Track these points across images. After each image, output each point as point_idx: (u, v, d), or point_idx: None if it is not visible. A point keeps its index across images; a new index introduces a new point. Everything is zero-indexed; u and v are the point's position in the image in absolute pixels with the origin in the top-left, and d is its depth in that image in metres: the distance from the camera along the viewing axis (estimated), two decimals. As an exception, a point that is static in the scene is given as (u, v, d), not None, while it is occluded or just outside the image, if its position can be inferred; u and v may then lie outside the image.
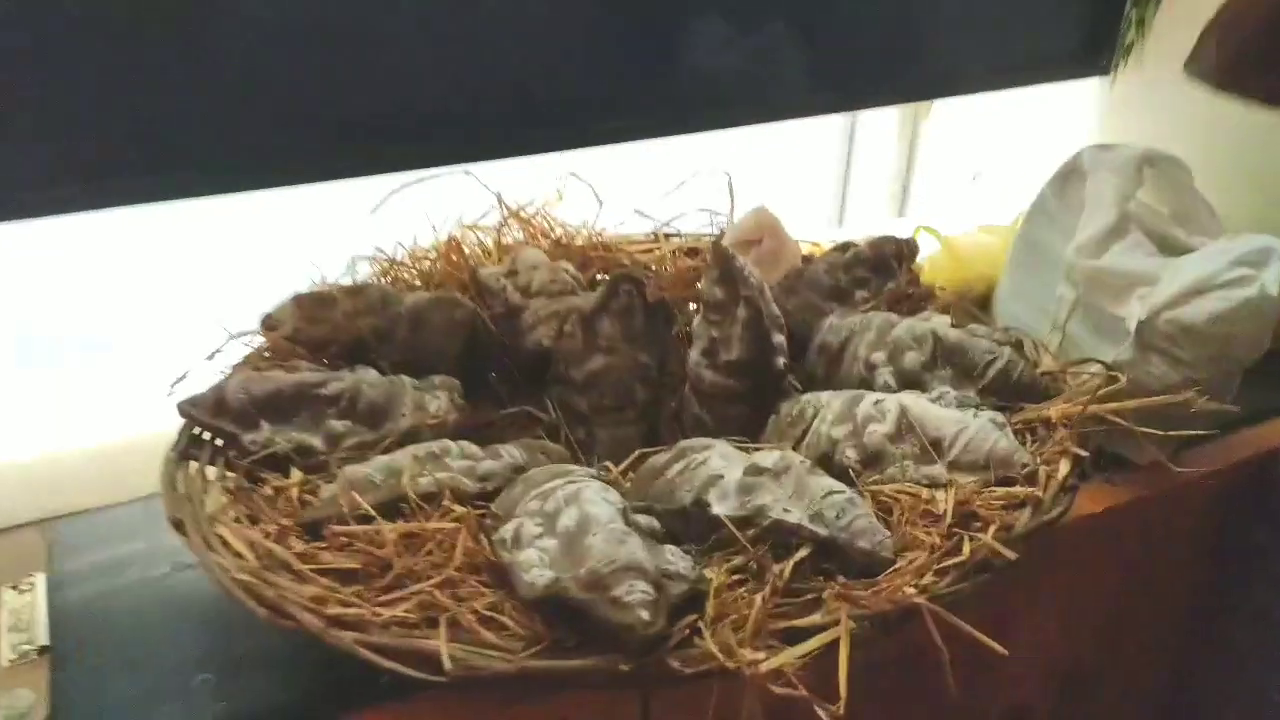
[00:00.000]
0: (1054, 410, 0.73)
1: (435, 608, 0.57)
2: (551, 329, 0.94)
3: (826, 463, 0.74)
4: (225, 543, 0.64)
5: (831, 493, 0.63)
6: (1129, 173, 0.94)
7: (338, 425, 0.78)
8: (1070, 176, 1.02)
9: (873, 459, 0.72)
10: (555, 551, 0.57)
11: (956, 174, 1.57)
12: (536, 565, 0.55)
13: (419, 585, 0.58)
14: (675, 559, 0.57)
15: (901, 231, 1.30)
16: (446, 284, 1.03)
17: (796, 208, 1.17)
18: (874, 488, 0.69)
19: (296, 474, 0.75)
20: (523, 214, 1.13)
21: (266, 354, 0.90)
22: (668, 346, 0.89)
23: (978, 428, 0.69)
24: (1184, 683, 0.78)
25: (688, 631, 0.53)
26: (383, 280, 1.03)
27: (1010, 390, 0.80)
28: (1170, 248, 0.94)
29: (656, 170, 1.18)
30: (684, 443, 0.73)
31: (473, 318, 0.93)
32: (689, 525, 0.67)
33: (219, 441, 0.77)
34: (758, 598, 0.53)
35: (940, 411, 0.71)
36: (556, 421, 0.87)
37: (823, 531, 0.60)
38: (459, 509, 0.66)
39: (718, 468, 0.68)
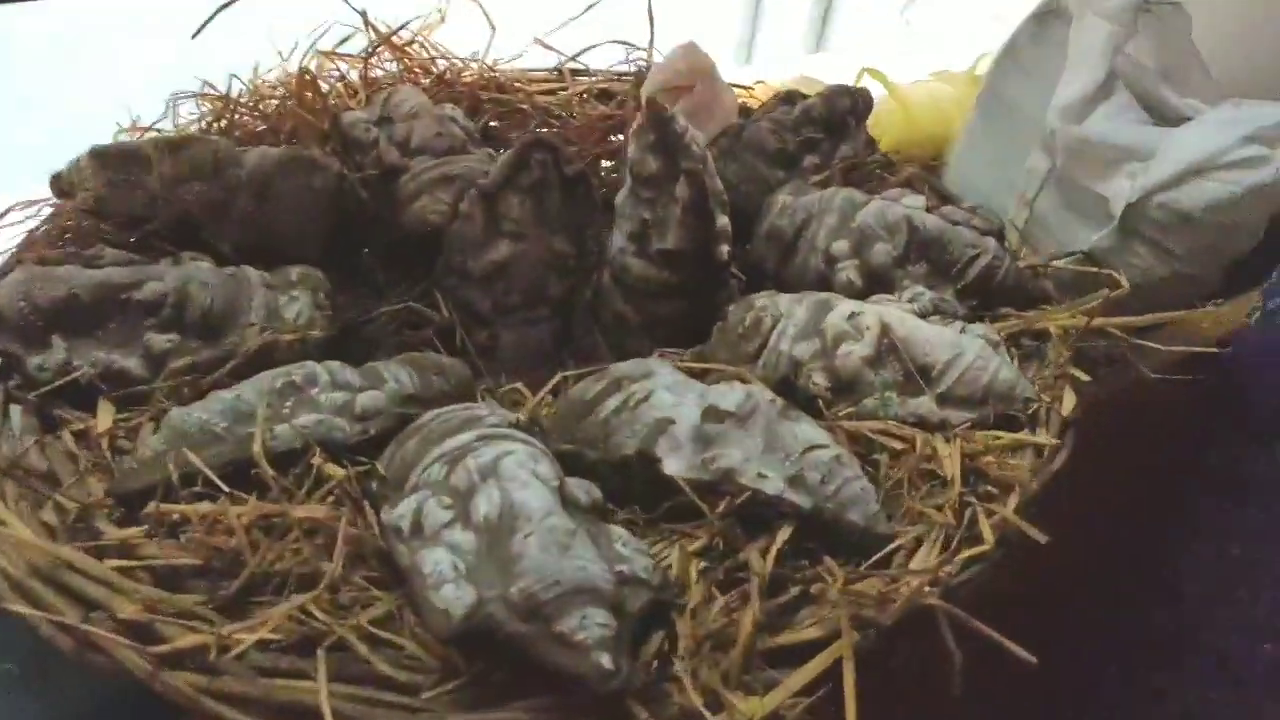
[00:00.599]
0: (1052, 323, 0.62)
1: (308, 626, 0.42)
2: (440, 204, 0.75)
3: (787, 389, 0.61)
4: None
5: (813, 447, 0.51)
6: (1124, 18, 0.80)
7: (159, 340, 0.59)
8: (1048, 18, 0.87)
9: (845, 387, 0.60)
10: (472, 553, 0.43)
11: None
12: (449, 580, 0.41)
13: (283, 600, 0.43)
14: (629, 552, 0.44)
15: (820, 73, 1.14)
16: (300, 134, 0.82)
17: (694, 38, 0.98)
18: (849, 424, 0.57)
19: (105, 410, 0.57)
20: (396, 40, 0.91)
21: (61, 234, 0.68)
22: (586, 228, 0.73)
23: (975, 353, 0.57)
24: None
25: (653, 661, 0.40)
26: (214, 129, 0.80)
27: (993, 292, 0.68)
28: (1159, 113, 0.82)
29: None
30: (618, 369, 0.59)
31: (337, 184, 0.74)
32: (628, 481, 0.54)
33: (-5, 363, 0.58)
34: (746, 618, 0.40)
35: (929, 331, 0.59)
36: (449, 322, 0.70)
37: (807, 503, 0.48)
38: (334, 470, 0.50)
39: (665, 406, 0.54)
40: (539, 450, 0.49)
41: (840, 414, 0.58)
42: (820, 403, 0.59)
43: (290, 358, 0.61)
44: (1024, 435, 0.53)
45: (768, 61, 1.35)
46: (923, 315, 0.66)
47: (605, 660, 0.37)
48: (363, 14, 0.88)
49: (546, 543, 0.41)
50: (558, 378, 0.64)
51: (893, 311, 0.60)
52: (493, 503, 0.44)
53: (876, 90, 1.01)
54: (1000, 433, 0.54)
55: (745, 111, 0.94)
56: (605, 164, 0.92)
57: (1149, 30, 0.84)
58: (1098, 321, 0.61)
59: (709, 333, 0.73)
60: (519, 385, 0.65)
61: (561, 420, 0.58)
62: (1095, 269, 0.68)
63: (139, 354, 0.59)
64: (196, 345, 0.60)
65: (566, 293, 0.72)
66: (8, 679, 0.56)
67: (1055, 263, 0.70)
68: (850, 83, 1.00)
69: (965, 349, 0.58)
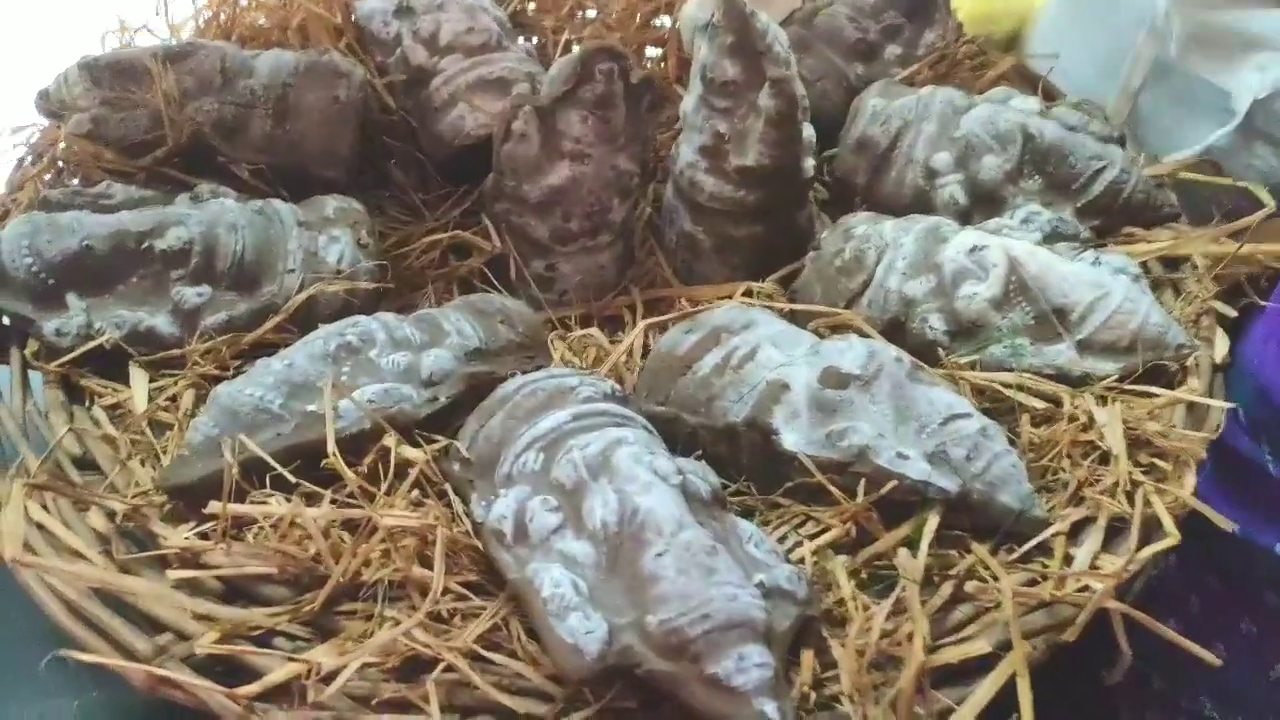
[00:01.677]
0: (1195, 250, 0.55)
1: (410, 650, 0.37)
2: (480, 114, 0.66)
3: (897, 331, 0.55)
4: (45, 531, 0.41)
5: (954, 416, 0.45)
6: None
7: (190, 294, 0.52)
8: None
9: (966, 331, 0.53)
10: (592, 567, 0.37)
11: None
12: (574, 608, 0.35)
13: (373, 609, 0.38)
14: (764, 554, 0.39)
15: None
16: (310, 29, 0.72)
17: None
18: (974, 376, 0.51)
19: (140, 380, 0.50)
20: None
21: (54, 165, 0.60)
22: (651, 139, 0.64)
23: (1123, 294, 0.51)
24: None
25: (809, 693, 0.36)
26: (215, 25, 0.70)
27: (1118, 211, 0.60)
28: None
29: None
30: (714, 317, 0.52)
31: (364, 95, 0.64)
32: (734, 449, 0.48)
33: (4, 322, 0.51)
34: (916, 642, 0.35)
35: (1066, 268, 0.52)
36: (502, 251, 0.63)
37: (953, 486, 0.43)
38: (412, 454, 0.44)
39: (775, 365, 0.48)
40: (650, 434, 0.43)
41: (962, 362, 0.52)
42: (939, 350, 0.53)
43: (335, 308, 0.54)
44: (1184, 393, 0.47)
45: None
46: (1040, 237, 0.59)
47: (770, 709, 0.32)
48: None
49: (685, 563, 0.35)
50: (640, 328, 0.57)
51: (1021, 244, 0.53)
52: (609, 508, 0.38)
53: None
54: (1154, 389, 0.48)
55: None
56: (651, 51, 0.83)
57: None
58: (1248, 249, 0.54)
59: (786, 255, 0.66)
60: (593, 331, 0.58)
61: (652, 376, 0.52)
62: (1231, 181, 0.61)
63: (167, 310, 0.52)
64: (231, 298, 0.53)
65: (629, 214, 0.65)
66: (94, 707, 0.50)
67: (1184, 173, 0.62)
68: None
69: (1111, 288, 0.51)
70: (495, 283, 0.64)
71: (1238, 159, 0.69)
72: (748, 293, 0.63)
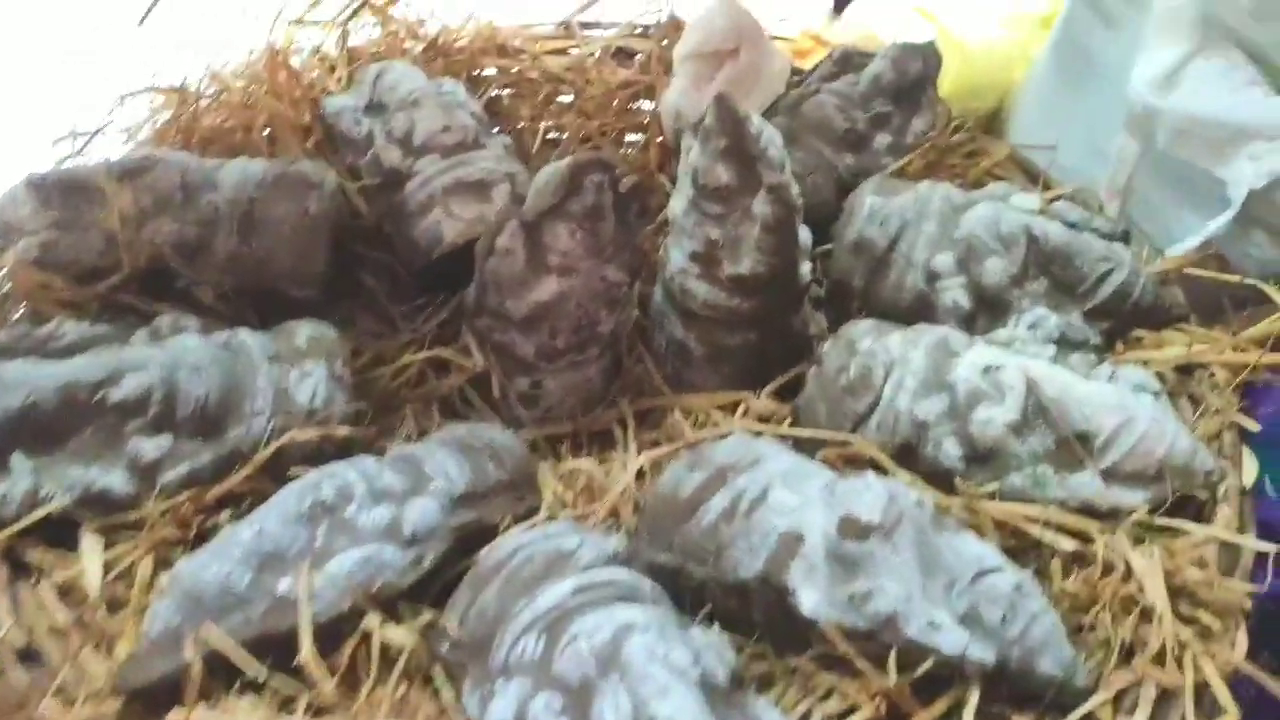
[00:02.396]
0: (1215, 361, 0.53)
1: None
2: (458, 220, 0.63)
3: (909, 456, 0.52)
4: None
5: (985, 571, 0.42)
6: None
7: (148, 447, 0.48)
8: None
9: (984, 456, 0.50)
10: (604, 785, 0.34)
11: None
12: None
13: None
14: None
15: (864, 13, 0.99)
16: (276, 129, 0.68)
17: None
18: (996, 509, 0.48)
19: (93, 550, 0.45)
20: (376, 1, 0.76)
21: (10, 287, 0.56)
22: (639, 249, 0.61)
23: (1149, 418, 0.48)
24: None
25: None
26: (174, 130, 0.66)
27: (1127, 313, 0.58)
28: (1260, 56, 0.71)
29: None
30: (718, 453, 0.49)
31: (337, 203, 0.61)
32: (749, 605, 0.45)
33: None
34: None
35: (1086, 390, 0.49)
36: (484, 369, 0.59)
37: (990, 657, 0.39)
38: (398, 637, 0.40)
39: (788, 511, 0.45)
40: (659, 611, 0.39)
41: (981, 492, 0.49)
42: (957, 478, 0.50)
43: (308, 451, 0.50)
44: (1218, 529, 0.45)
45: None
46: (1049, 344, 0.56)
47: None
48: (336, -29, 0.73)
49: (713, 787, 0.32)
50: (637, 462, 0.53)
51: (1038, 364, 0.50)
52: (623, 713, 0.34)
53: (923, 32, 0.89)
54: (1186, 523, 0.45)
55: (795, 77, 0.81)
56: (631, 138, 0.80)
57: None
58: (1270, 359, 0.52)
59: (780, 362, 0.63)
60: (582, 464, 0.54)
61: (653, 521, 0.48)
62: (1240, 279, 0.59)
63: (123, 466, 0.48)
64: (194, 447, 0.49)
65: (618, 325, 0.61)
66: None
67: (1191, 270, 0.60)
68: (897, 27, 0.88)
69: (1134, 413, 0.48)
70: (473, 402, 0.61)
71: (1236, 247, 0.67)
72: (744, 404, 0.60)
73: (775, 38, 0.92)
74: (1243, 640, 0.40)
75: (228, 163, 0.60)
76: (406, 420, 0.60)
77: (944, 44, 0.87)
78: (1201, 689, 0.39)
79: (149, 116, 0.67)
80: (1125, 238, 0.61)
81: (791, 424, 0.57)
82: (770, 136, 0.58)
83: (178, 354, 0.50)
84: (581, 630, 0.37)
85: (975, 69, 0.87)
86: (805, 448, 0.54)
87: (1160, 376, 0.55)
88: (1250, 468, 0.49)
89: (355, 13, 0.74)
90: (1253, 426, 0.51)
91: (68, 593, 0.44)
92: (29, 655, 0.41)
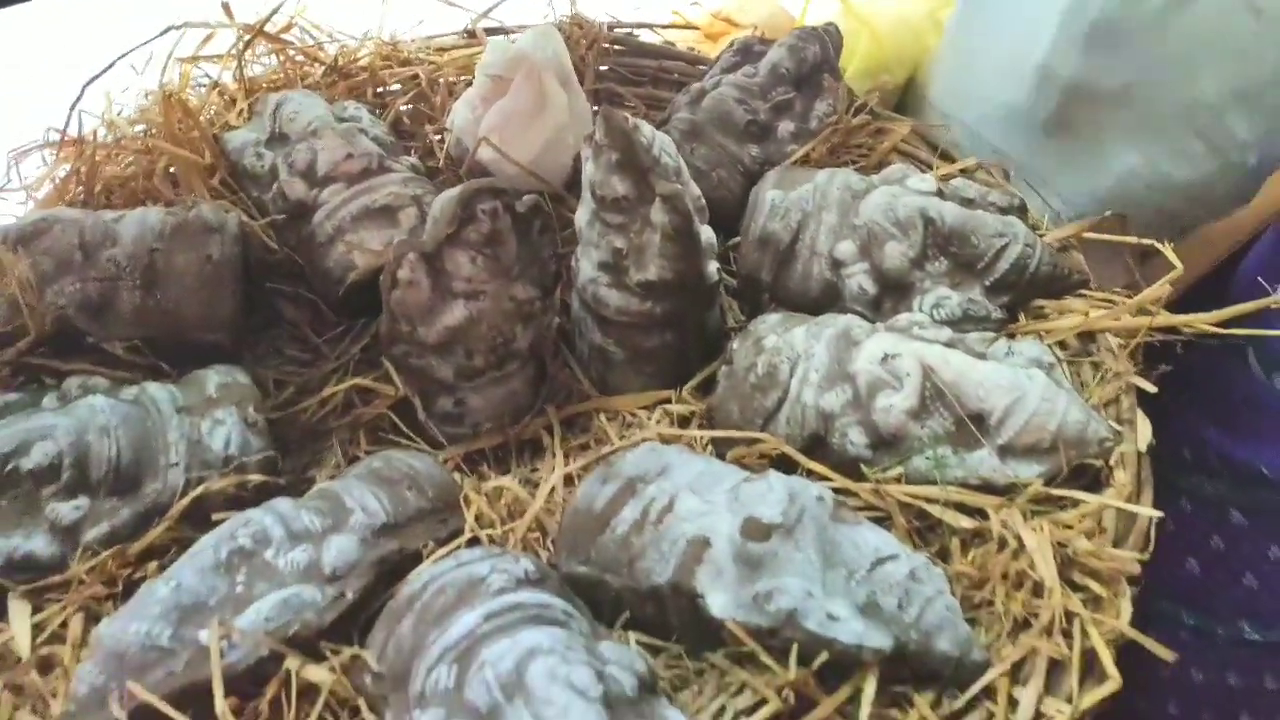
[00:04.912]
0: (1108, 328, 0.54)
1: None
2: (366, 248, 0.63)
3: (819, 446, 0.53)
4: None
5: (882, 559, 0.43)
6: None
7: (66, 510, 0.48)
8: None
9: (888, 442, 0.52)
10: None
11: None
12: None
13: None
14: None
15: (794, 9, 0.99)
16: (178, 170, 0.68)
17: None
18: (899, 491, 0.49)
19: (20, 616, 0.46)
20: (269, 28, 0.76)
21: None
22: (549, 260, 0.61)
23: (1040, 395, 0.49)
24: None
25: None
26: (74, 181, 0.66)
27: (1026, 285, 0.60)
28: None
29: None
30: (627, 465, 0.50)
31: (241, 247, 0.61)
32: (664, 610, 0.46)
33: None
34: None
35: (981, 372, 0.51)
36: (404, 395, 0.60)
37: (888, 643, 0.41)
38: (317, 675, 0.41)
39: (695, 516, 0.46)
40: (565, 631, 0.41)
41: (888, 477, 0.51)
42: (861, 465, 0.52)
43: (227, 500, 0.51)
44: (1109, 496, 0.46)
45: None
46: (951, 322, 0.58)
47: None
48: (224, 5, 0.73)
49: (612, 804, 0.33)
50: (553, 479, 0.55)
51: (933, 349, 0.52)
52: (530, 736, 0.36)
53: (829, 9, 0.90)
54: (1080, 494, 0.47)
55: (695, 61, 0.82)
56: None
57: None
58: (1162, 321, 0.53)
59: (699, 359, 0.64)
60: (505, 482, 0.55)
61: (572, 535, 0.49)
62: (1137, 240, 0.60)
63: (44, 530, 0.48)
64: (112, 505, 0.50)
65: (535, 337, 0.62)
66: None
67: (1090, 234, 0.62)
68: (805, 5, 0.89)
69: (1025, 390, 0.50)
70: (400, 425, 0.61)
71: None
72: (662, 401, 0.61)
73: (685, 25, 0.92)
74: (1127, 607, 0.41)
75: (126, 214, 0.60)
76: (333, 448, 0.60)
77: (850, 21, 0.89)
78: (1091, 656, 0.40)
79: (47, 172, 0.67)
80: (1022, 209, 0.63)
81: (708, 423, 0.59)
82: (662, 144, 0.59)
83: (85, 418, 0.50)
84: (489, 658, 0.39)
85: (883, 44, 0.88)
86: (721, 445, 0.55)
87: (1062, 344, 0.57)
88: (1145, 431, 0.50)
89: (248, 44, 0.73)
90: (1149, 388, 0.53)
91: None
92: (-41, 730, 0.42)
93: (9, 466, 0.48)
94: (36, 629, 0.46)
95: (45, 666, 0.45)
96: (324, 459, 0.60)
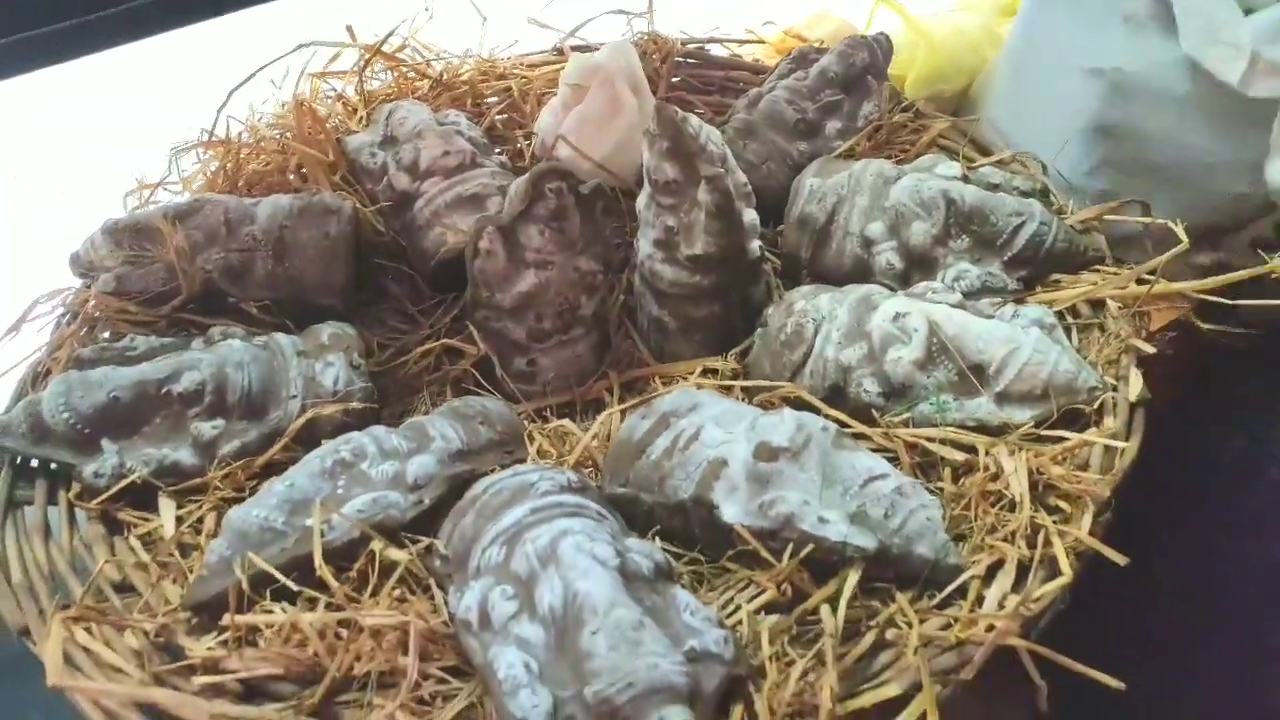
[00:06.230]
0: (1108, 294, 0.59)
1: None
2: (457, 230, 0.74)
3: (839, 396, 0.60)
4: (90, 652, 0.48)
5: (873, 478, 0.50)
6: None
7: (206, 428, 0.60)
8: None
9: (898, 391, 0.58)
10: (542, 647, 0.43)
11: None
12: (524, 685, 0.41)
13: (370, 710, 0.43)
14: (698, 622, 0.44)
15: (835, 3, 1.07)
16: (307, 167, 0.80)
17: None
18: (905, 433, 0.56)
19: (168, 508, 0.57)
20: (385, 48, 0.88)
21: (90, 322, 0.68)
22: (611, 239, 0.70)
23: (1032, 348, 0.55)
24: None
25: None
26: (222, 175, 0.79)
27: (1042, 260, 0.65)
28: None
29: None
30: (664, 403, 0.58)
31: (354, 227, 0.72)
32: (687, 523, 0.53)
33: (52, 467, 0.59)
34: (825, 690, 0.40)
35: (981, 327, 0.57)
36: (485, 354, 0.69)
37: (871, 544, 0.47)
38: (396, 554, 0.51)
39: (716, 444, 0.53)
40: (595, 522, 0.49)
41: (896, 421, 0.57)
42: (873, 411, 0.58)
43: (334, 425, 0.61)
44: (1091, 435, 0.52)
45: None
46: (970, 293, 0.64)
47: (690, 761, 0.37)
48: (348, 28, 0.85)
49: (615, 639, 0.41)
50: (603, 416, 0.63)
51: (939, 308, 0.58)
52: (556, 593, 0.44)
53: (893, 22, 0.96)
54: (1065, 433, 0.52)
55: (758, 70, 0.90)
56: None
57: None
58: (1160, 288, 0.58)
59: (745, 329, 0.71)
60: (565, 422, 0.64)
61: (614, 462, 0.57)
62: (1148, 219, 0.64)
63: (188, 444, 0.59)
64: (243, 426, 0.61)
65: (599, 306, 0.71)
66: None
67: (1108, 216, 0.66)
68: (868, 13, 0.95)
69: (1020, 342, 0.55)
70: (483, 381, 0.71)
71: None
72: (710, 368, 0.69)
73: (752, 40, 1.00)
74: (1089, 521, 0.46)
75: (263, 199, 0.72)
76: (424, 401, 0.70)
77: (910, 34, 0.95)
78: (1053, 562, 0.46)
79: (200, 166, 0.80)
80: (1044, 193, 0.68)
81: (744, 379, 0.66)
82: (708, 133, 0.67)
83: (225, 355, 0.61)
84: (530, 538, 0.47)
85: (940, 55, 0.94)
86: (752, 396, 0.63)
87: (1073, 311, 0.62)
88: (1136, 384, 0.55)
89: (368, 62, 0.85)
90: (1148, 349, 0.58)
91: (150, 542, 0.56)
92: (122, 586, 0.53)
93: (163, 390, 0.59)
94: (179, 521, 0.57)
95: (185, 550, 0.56)
96: (416, 409, 0.70)
